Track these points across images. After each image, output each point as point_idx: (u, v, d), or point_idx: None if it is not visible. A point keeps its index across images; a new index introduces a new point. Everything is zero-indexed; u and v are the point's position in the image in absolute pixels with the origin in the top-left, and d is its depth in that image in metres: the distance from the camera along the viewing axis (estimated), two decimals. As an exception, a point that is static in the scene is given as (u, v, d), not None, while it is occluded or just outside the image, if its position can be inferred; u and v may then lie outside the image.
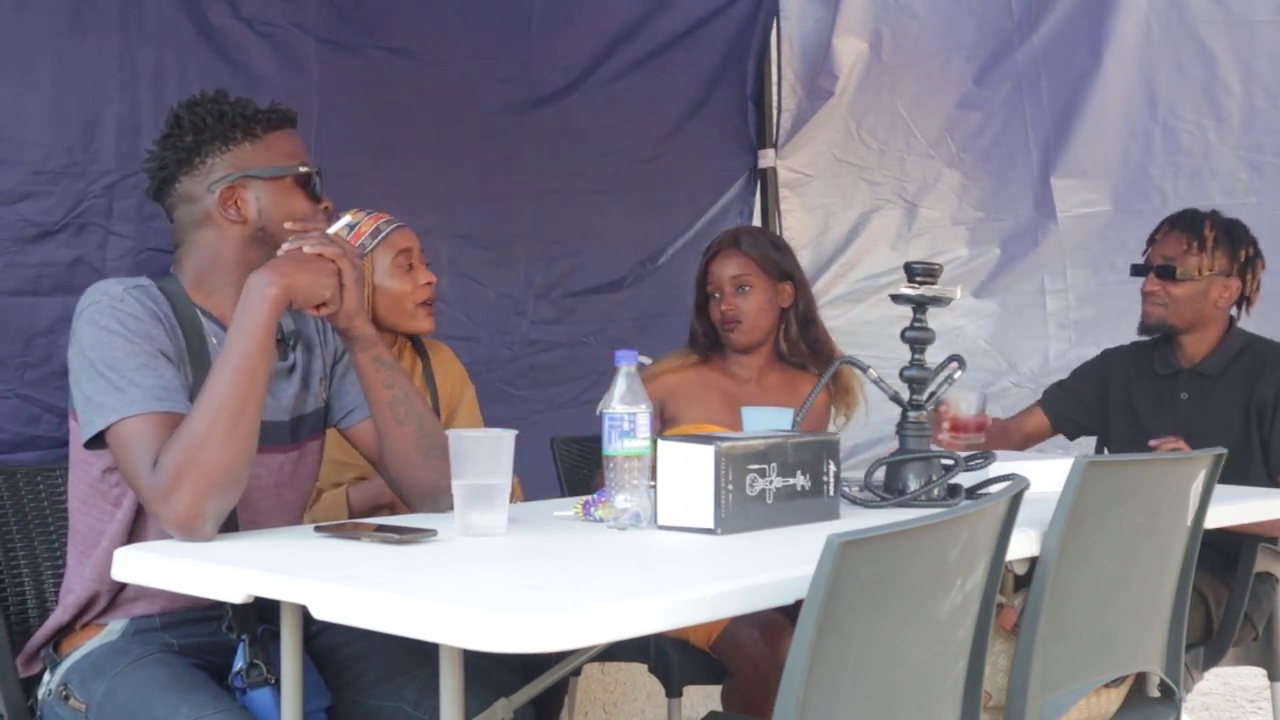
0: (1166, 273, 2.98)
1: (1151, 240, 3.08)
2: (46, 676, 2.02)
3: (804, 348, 3.07)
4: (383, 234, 2.64)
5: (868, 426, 3.52)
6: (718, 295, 3.04)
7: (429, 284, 2.67)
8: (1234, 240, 3.00)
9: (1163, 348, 3.08)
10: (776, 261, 3.06)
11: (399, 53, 3.30)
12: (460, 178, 3.44)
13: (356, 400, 2.18)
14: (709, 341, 3.10)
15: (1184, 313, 2.98)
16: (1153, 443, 2.79)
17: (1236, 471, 2.58)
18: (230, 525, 1.92)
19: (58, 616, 2.03)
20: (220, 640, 2.00)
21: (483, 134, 3.49)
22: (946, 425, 2.72)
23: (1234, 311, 3.04)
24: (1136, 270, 3.07)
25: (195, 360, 1.98)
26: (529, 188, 3.59)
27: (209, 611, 1.99)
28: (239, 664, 1.95)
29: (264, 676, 1.93)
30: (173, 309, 1.99)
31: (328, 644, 2.08)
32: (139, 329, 1.91)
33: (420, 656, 1.94)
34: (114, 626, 2.01)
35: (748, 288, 3.02)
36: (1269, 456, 2.90)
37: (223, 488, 1.83)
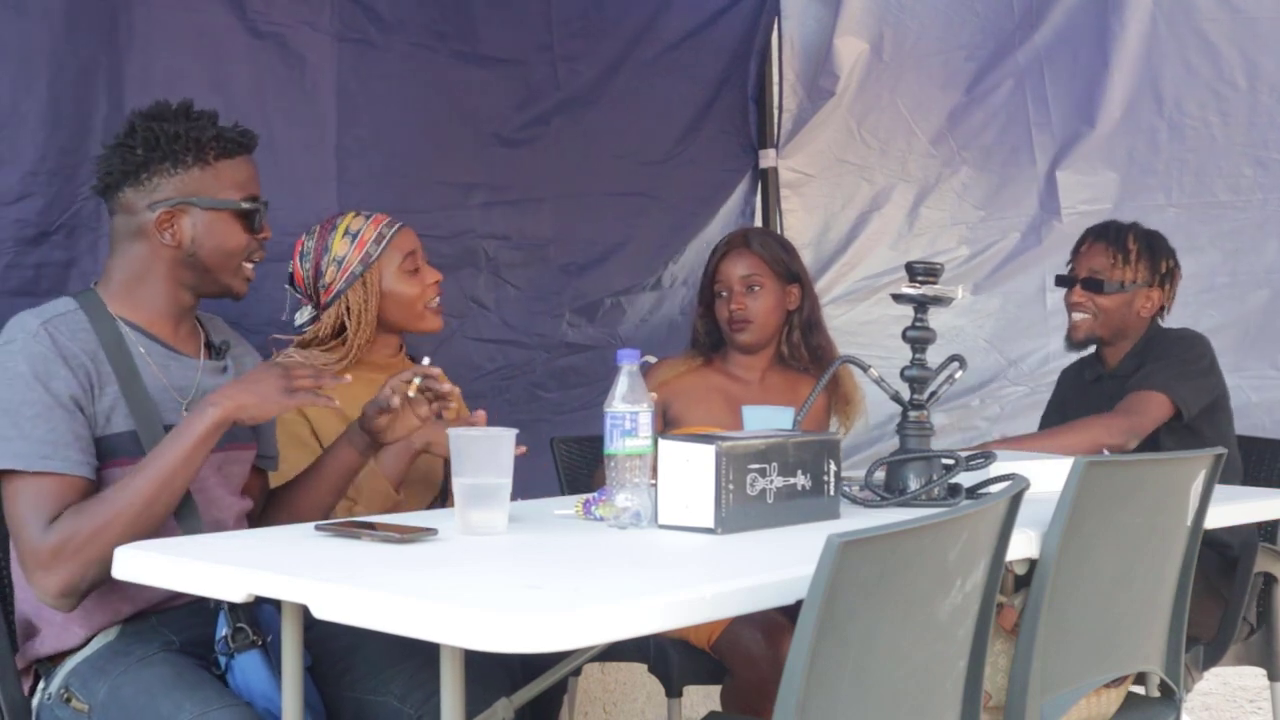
0: (1093, 285, 3.07)
1: (1075, 252, 3.16)
2: (41, 685, 2.02)
3: (805, 352, 3.07)
4: (386, 238, 2.62)
5: (867, 428, 3.52)
6: (725, 294, 3.04)
7: (436, 282, 2.66)
8: (1155, 253, 3.09)
9: (1090, 359, 3.19)
10: (785, 263, 3.06)
11: (427, 49, 3.29)
12: (489, 180, 3.43)
13: (272, 449, 2.30)
14: (711, 342, 3.10)
15: (1110, 322, 3.07)
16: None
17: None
18: (190, 513, 2.00)
19: (37, 650, 2.03)
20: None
21: (507, 136, 3.49)
22: None
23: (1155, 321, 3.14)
24: (1061, 281, 3.13)
25: (122, 375, 2.01)
26: (556, 191, 3.59)
27: (202, 603, 2.00)
28: (222, 631, 1.96)
29: (250, 639, 1.94)
30: (94, 329, 2.01)
31: (319, 635, 2.09)
32: (43, 372, 1.94)
33: (408, 650, 1.94)
34: (109, 629, 2.01)
35: (757, 288, 3.02)
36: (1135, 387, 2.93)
37: (102, 570, 1.87)
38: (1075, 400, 3.17)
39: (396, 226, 2.66)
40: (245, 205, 2.12)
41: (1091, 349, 3.19)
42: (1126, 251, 3.05)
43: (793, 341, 3.07)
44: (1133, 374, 3.02)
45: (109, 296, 2.08)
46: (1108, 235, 3.10)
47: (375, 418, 2.20)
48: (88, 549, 1.88)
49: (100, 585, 1.93)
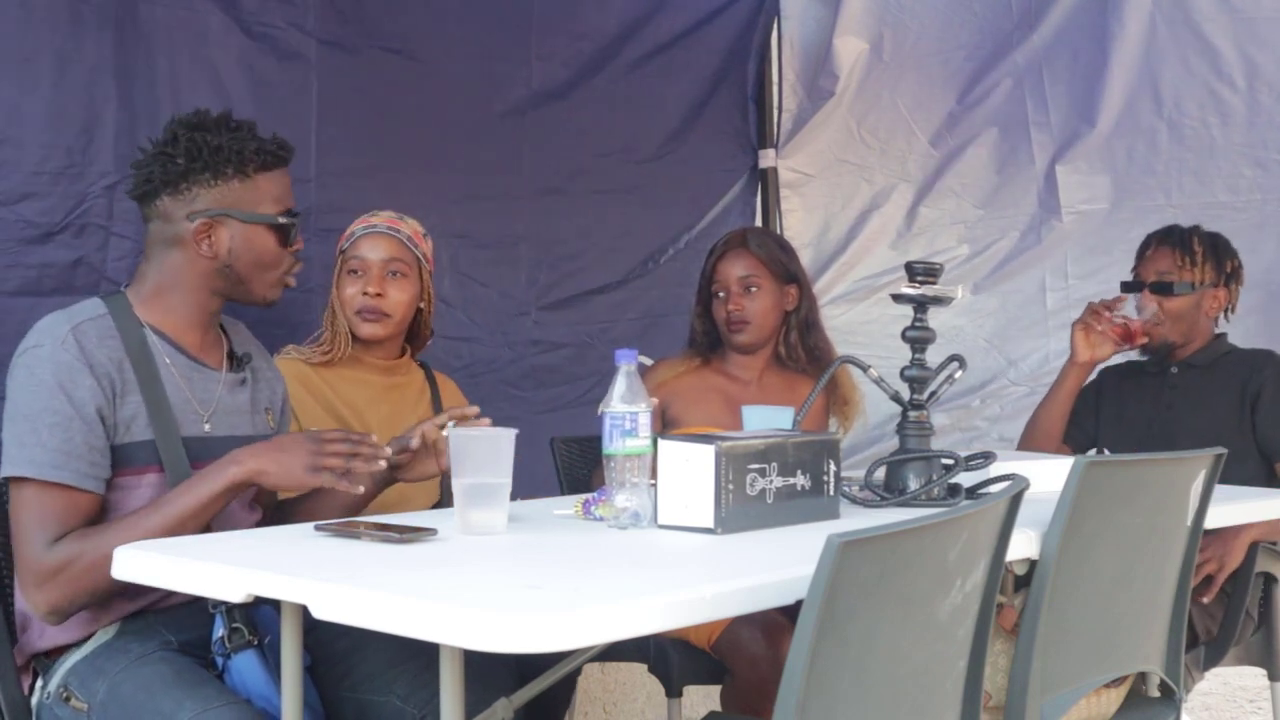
0: (1163, 288, 3.07)
1: (1140, 257, 3.16)
2: (40, 683, 2.03)
3: (802, 353, 3.06)
4: (353, 237, 2.70)
5: (866, 428, 3.52)
6: (723, 295, 3.03)
7: (365, 294, 2.63)
8: (1220, 253, 3.11)
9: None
10: (784, 264, 3.06)
11: (400, 53, 3.31)
12: (461, 178, 3.43)
13: None
14: (709, 342, 3.10)
15: (1180, 326, 3.08)
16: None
17: (1232, 458, 2.60)
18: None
19: (36, 645, 2.04)
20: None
21: (484, 134, 3.49)
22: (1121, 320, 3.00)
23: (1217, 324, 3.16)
24: (1127, 288, 3.13)
25: (145, 384, 2.02)
26: (530, 188, 3.59)
27: (201, 603, 2.00)
28: (219, 632, 1.97)
29: (246, 639, 1.95)
30: (121, 335, 2.03)
31: (321, 638, 2.09)
32: (68, 381, 1.95)
33: (411, 650, 1.95)
34: (109, 626, 2.02)
35: (755, 288, 3.01)
36: (1266, 446, 2.97)
37: (93, 598, 1.93)
38: (1132, 385, 3.16)
39: (370, 228, 2.68)
40: (281, 220, 2.14)
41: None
42: (1193, 253, 3.07)
43: (790, 342, 3.07)
44: (1210, 367, 3.06)
45: (138, 301, 2.10)
46: (1172, 239, 3.11)
47: (396, 453, 2.17)
48: (84, 578, 1.91)
49: (90, 607, 1.97)
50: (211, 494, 1.94)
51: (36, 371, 1.96)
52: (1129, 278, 3.17)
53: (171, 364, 2.08)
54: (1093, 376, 3.28)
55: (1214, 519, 2.20)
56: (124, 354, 2.02)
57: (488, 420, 2.16)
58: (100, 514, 2.00)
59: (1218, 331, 3.15)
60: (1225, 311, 3.14)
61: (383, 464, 2.02)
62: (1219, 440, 2.57)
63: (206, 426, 2.10)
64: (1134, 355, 3.23)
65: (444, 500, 2.61)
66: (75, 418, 1.95)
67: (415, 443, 2.16)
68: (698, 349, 3.10)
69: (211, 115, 2.13)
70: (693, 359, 3.09)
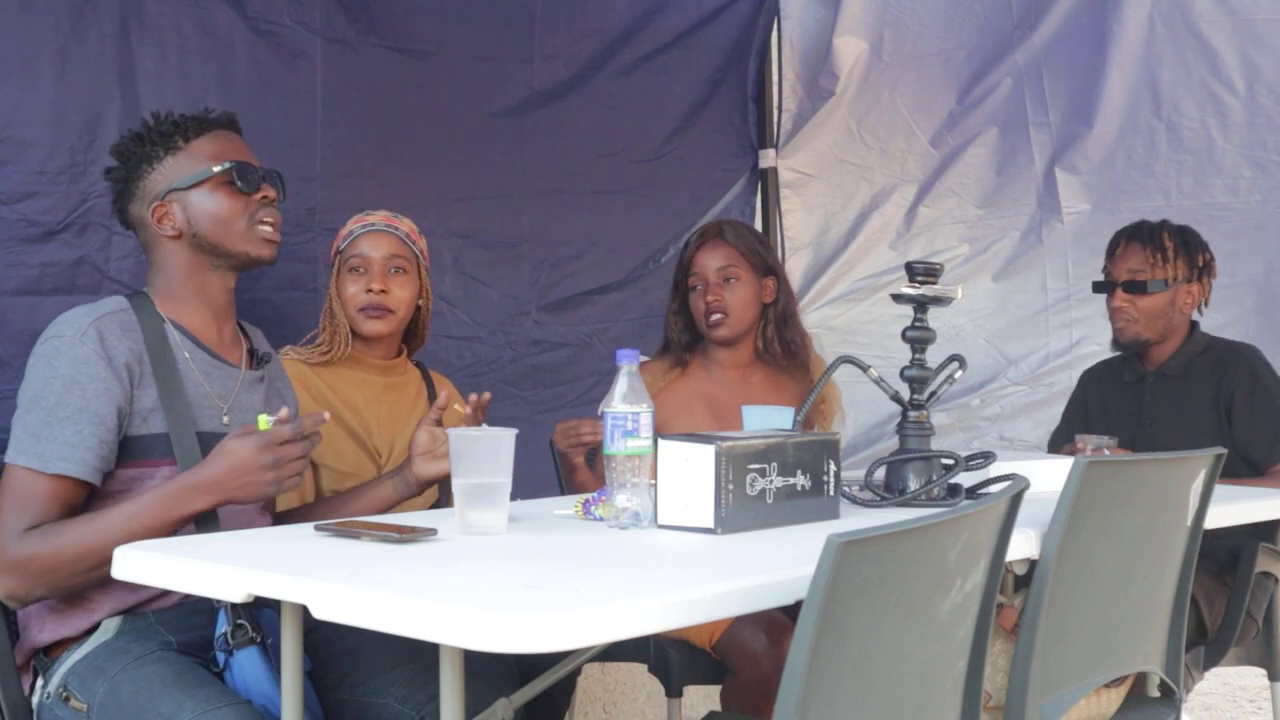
0: (1135, 287, 3.05)
1: (1110, 255, 3.14)
2: (40, 682, 2.03)
3: (779, 347, 3.02)
4: (352, 235, 2.69)
5: (864, 428, 3.52)
6: (700, 287, 2.99)
7: (369, 291, 2.62)
8: (1191, 248, 3.08)
9: (1130, 358, 3.16)
10: (761, 255, 3.02)
11: (404, 52, 3.31)
12: (464, 177, 3.44)
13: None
14: (686, 341, 3.04)
15: (1155, 324, 3.06)
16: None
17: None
18: (210, 523, 2.01)
19: (38, 639, 2.04)
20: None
21: (486, 134, 3.50)
22: None
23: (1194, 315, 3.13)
24: (1099, 287, 3.11)
25: (163, 377, 2.04)
26: (532, 188, 3.59)
27: (200, 604, 2.00)
28: (221, 628, 1.97)
29: (249, 636, 1.96)
30: (142, 329, 2.06)
31: (319, 640, 2.09)
32: (83, 375, 1.97)
33: (408, 652, 1.95)
34: (107, 625, 2.02)
35: (734, 279, 2.97)
36: (1248, 455, 2.94)
37: (51, 592, 1.96)
38: (1116, 401, 3.15)
39: (368, 226, 2.68)
40: (217, 169, 2.15)
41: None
42: (1164, 249, 3.04)
43: (767, 336, 3.02)
44: (1184, 374, 3.03)
45: (157, 298, 2.14)
46: (1142, 235, 3.08)
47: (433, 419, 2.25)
48: (43, 576, 1.93)
49: (48, 600, 2.00)
50: (176, 518, 1.95)
51: (53, 362, 1.98)
52: (1092, 292, 3.16)
53: (191, 358, 2.10)
54: (1075, 386, 3.29)
55: (1214, 519, 2.20)
56: (144, 347, 2.05)
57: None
58: (91, 502, 2.01)
59: (1193, 319, 3.12)
60: (1200, 306, 3.11)
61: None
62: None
63: (225, 419, 2.12)
64: (1109, 353, 3.22)
65: (444, 500, 2.60)
66: (87, 410, 1.96)
67: (443, 397, 2.24)
68: (674, 352, 3.04)
69: (146, 121, 2.20)
70: (670, 369, 3.02)
